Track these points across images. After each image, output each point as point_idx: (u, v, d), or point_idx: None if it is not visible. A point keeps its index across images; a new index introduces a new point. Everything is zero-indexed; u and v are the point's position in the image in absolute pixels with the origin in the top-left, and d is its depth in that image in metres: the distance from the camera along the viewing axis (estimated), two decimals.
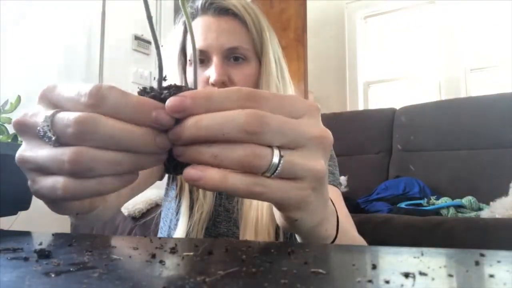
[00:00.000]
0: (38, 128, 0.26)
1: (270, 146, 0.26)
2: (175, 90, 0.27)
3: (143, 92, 0.27)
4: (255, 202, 0.65)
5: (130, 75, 2.48)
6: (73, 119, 0.24)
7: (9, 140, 0.55)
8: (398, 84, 3.29)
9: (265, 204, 0.63)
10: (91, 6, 2.30)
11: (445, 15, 3.06)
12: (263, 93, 0.27)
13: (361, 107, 3.29)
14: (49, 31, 2.09)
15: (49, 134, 0.25)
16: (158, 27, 2.65)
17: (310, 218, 0.32)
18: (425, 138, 2.05)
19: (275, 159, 0.26)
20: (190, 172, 0.26)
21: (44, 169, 0.26)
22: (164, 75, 0.29)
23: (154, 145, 0.25)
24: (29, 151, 0.27)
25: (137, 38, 2.56)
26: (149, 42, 2.60)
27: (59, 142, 0.25)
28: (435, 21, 3.12)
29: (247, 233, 0.63)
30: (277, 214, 0.34)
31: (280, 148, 0.26)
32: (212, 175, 0.25)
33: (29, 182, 0.28)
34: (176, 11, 2.71)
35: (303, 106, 0.28)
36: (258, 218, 0.63)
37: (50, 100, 0.27)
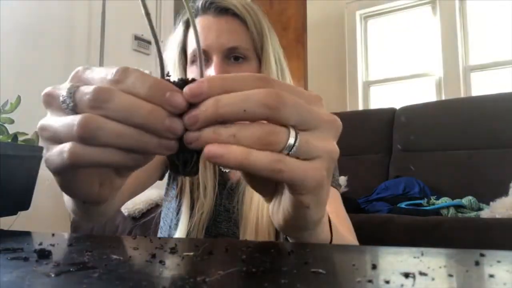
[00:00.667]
0: (60, 97, 0.27)
1: (286, 127, 0.27)
2: (185, 82, 0.27)
3: None
4: (255, 202, 0.64)
5: None
6: (92, 88, 0.25)
7: (9, 140, 0.55)
8: (398, 84, 3.29)
9: (266, 204, 0.63)
10: (91, 6, 2.30)
11: (445, 15, 3.06)
12: (276, 79, 0.28)
13: (361, 107, 3.29)
14: (49, 31, 2.09)
15: (68, 100, 0.26)
16: (158, 27, 2.65)
17: (319, 208, 0.32)
18: (425, 138, 2.05)
19: (291, 138, 0.26)
20: (212, 149, 0.26)
21: (57, 137, 0.27)
22: (167, 72, 0.29)
23: (164, 125, 0.25)
24: (48, 119, 0.28)
25: (137, 38, 2.56)
26: (149, 42, 2.61)
27: (76, 110, 0.26)
28: (435, 20, 3.12)
29: (247, 233, 0.63)
30: (276, 214, 0.33)
31: (295, 128, 0.27)
32: (235, 150, 0.26)
33: (43, 152, 0.29)
34: (177, 11, 2.71)
35: (312, 96, 0.29)
36: (258, 218, 0.63)
37: (80, 79, 0.28)
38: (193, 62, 0.69)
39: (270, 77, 0.28)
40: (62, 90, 0.27)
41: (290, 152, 0.27)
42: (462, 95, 2.86)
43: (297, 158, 0.27)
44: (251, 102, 0.25)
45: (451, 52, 3.00)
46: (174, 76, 0.72)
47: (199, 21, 0.68)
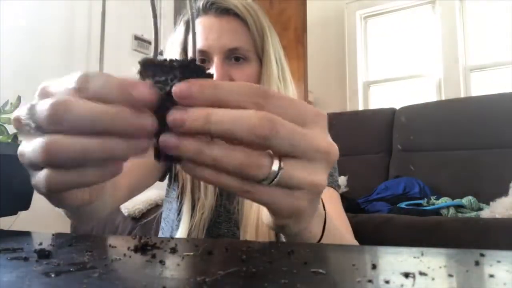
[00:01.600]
0: (22, 119, 0.25)
1: (271, 155, 0.25)
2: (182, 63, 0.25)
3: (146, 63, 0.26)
4: (255, 204, 0.65)
5: (130, 75, 2.48)
6: (48, 104, 0.23)
7: (9, 140, 0.55)
8: (398, 84, 3.29)
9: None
10: (91, 6, 2.30)
11: (445, 15, 3.06)
12: (274, 92, 0.26)
13: (361, 107, 3.29)
14: (49, 31, 2.10)
15: (30, 122, 0.25)
16: (158, 27, 2.64)
17: (298, 225, 0.32)
18: (425, 138, 2.05)
19: (274, 169, 0.25)
20: (187, 164, 0.25)
21: (33, 163, 0.25)
22: (160, 50, 0.28)
23: (132, 125, 0.24)
24: (22, 145, 0.26)
25: (137, 38, 2.56)
26: (149, 42, 2.60)
27: (39, 130, 0.24)
28: (435, 21, 3.12)
29: (248, 234, 0.63)
30: (265, 213, 0.33)
31: (283, 157, 0.26)
32: (206, 172, 0.25)
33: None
34: (177, 11, 2.71)
35: (311, 114, 0.27)
36: (258, 219, 0.63)
37: (46, 94, 0.26)
38: None
39: (268, 91, 0.26)
40: (23, 111, 0.25)
41: (272, 183, 0.25)
42: (462, 95, 2.86)
43: (277, 186, 0.26)
44: (241, 126, 0.24)
45: (451, 52, 3.00)
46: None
47: (200, 21, 0.68)
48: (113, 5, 2.37)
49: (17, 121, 0.26)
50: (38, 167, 0.25)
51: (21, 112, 0.26)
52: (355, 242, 0.54)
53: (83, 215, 0.44)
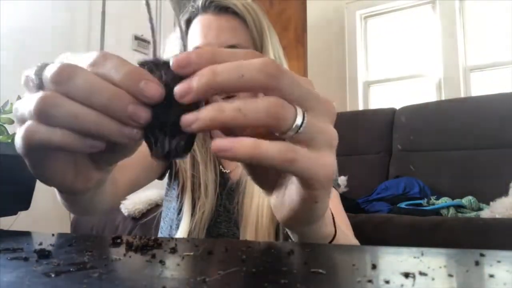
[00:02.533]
0: (30, 75, 0.27)
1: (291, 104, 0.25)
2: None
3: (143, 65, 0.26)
4: (255, 202, 0.65)
5: None
6: (58, 65, 0.24)
7: (9, 141, 0.55)
8: (398, 84, 3.29)
9: (265, 204, 0.63)
10: (91, 6, 2.30)
11: (445, 15, 3.06)
12: (276, 64, 0.25)
13: (361, 107, 3.29)
14: (49, 31, 2.10)
15: (35, 78, 0.26)
16: (158, 27, 2.65)
17: (326, 201, 0.30)
18: (425, 138, 2.05)
19: (299, 116, 0.25)
20: (218, 142, 0.24)
21: (23, 116, 0.26)
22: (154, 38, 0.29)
23: (126, 111, 0.23)
24: (20, 100, 0.27)
25: (137, 38, 2.56)
26: (149, 42, 2.60)
27: (40, 87, 0.26)
28: (435, 21, 3.12)
29: (248, 234, 0.63)
30: (279, 207, 0.32)
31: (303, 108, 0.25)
32: (244, 141, 0.24)
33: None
34: (176, 10, 2.71)
35: (304, 79, 0.27)
36: (258, 219, 0.63)
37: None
38: None
39: (268, 60, 0.24)
40: (33, 69, 0.27)
41: (298, 132, 0.24)
42: (462, 95, 2.86)
43: (304, 144, 0.25)
44: (249, 68, 0.23)
45: (451, 52, 3.00)
46: None
47: (199, 20, 0.68)
48: (113, 5, 2.37)
49: (26, 77, 0.28)
50: (25, 119, 0.25)
51: (32, 70, 0.27)
52: (357, 242, 0.54)
53: (73, 204, 0.44)
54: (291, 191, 0.30)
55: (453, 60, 2.98)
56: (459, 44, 2.98)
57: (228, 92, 0.24)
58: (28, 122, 0.25)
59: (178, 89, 0.23)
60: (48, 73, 0.24)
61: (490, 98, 2.01)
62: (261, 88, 0.24)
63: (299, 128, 0.24)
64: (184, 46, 0.71)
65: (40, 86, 0.25)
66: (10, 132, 0.56)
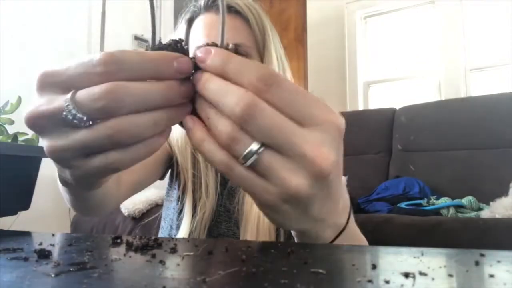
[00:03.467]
0: (64, 113, 0.24)
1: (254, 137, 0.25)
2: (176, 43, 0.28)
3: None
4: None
5: None
6: (99, 92, 0.23)
7: (9, 140, 0.55)
8: (398, 84, 3.29)
9: None
10: (91, 6, 2.30)
11: (445, 15, 3.06)
12: (283, 82, 0.25)
13: (361, 107, 3.29)
14: (49, 32, 2.09)
15: (79, 115, 0.24)
16: (158, 27, 2.64)
17: (288, 223, 0.30)
18: (425, 138, 2.05)
19: (252, 149, 0.25)
20: (187, 119, 0.27)
21: (86, 152, 0.26)
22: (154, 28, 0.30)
23: (181, 94, 0.26)
24: (59, 140, 0.25)
25: (137, 38, 2.56)
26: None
27: (91, 119, 0.24)
28: (435, 21, 3.12)
29: (248, 233, 0.63)
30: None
31: (266, 145, 0.25)
32: (196, 131, 0.27)
33: (68, 172, 0.28)
34: (177, 11, 2.71)
35: (319, 116, 0.25)
36: (259, 218, 0.63)
37: (55, 85, 0.26)
38: None
39: (276, 78, 0.25)
40: (55, 103, 0.25)
41: (247, 164, 0.25)
42: (462, 95, 2.86)
43: (255, 171, 0.26)
44: (226, 101, 0.25)
45: (451, 52, 3.00)
46: None
47: (201, 19, 0.69)
48: (113, 5, 2.37)
49: (39, 117, 0.25)
50: (90, 154, 0.26)
51: (54, 105, 0.25)
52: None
53: (91, 203, 0.44)
54: None
55: (453, 60, 2.98)
56: (459, 44, 2.98)
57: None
58: (114, 154, 0.25)
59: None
60: (95, 103, 0.24)
61: (490, 98, 2.01)
62: (234, 120, 0.25)
63: (246, 162, 0.25)
64: (186, 44, 0.71)
65: (89, 119, 0.24)
66: (10, 132, 0.56)
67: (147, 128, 0.25)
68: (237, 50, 0.66)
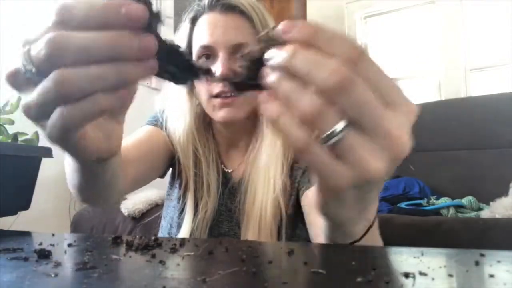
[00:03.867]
0: (22, 68, 0.25)
1: (340, 115, 0.24)
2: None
3: None
4: (258, 199, 0.65)
5: None
6: (42, 41, 0.23)
7: (9, 140, 0.55)
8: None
9: (269, 202, 0.63)
10: None
11: (445, 15, 3.06)
12: (371, 59, 0.25)
13: None
14: None
15: (29, 67, 0.24)
16: (158, 27, 2.64)
17: (341, 211, 0.29)
18: (425, 138, 2.04)
19: (337, 128, 0.24)
20: (262, 94, 0.25)
21: (44, 110, 0.25)
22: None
23: (135, 49, 0.24)
24: (26, 97, 0.26)
25: None
26: None
27: (41, 73, 0.24)
28: (435, 21, 3.13)
29: (250, 232, 0.63)
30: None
31: (350, 123, 0.24)
32: (272, 104, 0.25)
33: (44, 133, 0.27)
34: (177, 11, 2.71)
35: (403, 103, 0.25)
36: (261, 216, 0.63)
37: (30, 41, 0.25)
38: (198, 58, 0.69)
39: (366, 53, 0.24)
40: (18, 59, 0.25)
41: (328, 143, 0.24)
42: (462, 95, 2.86)
43: (335, 155, 0.24)
44: (321, 69, 0.23)
45: (451, 52, 3.00)
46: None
47: (205, 18, 0.69)
48: None
49: (12, 76, 0.26)
50: (49, 110, 0.25)
51: (15, 64, 0.25)
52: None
53: (97, 186, 0.45)
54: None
55: (453, 60, 2.99)
56: (459, 44, 2.98)
57: (294, 72, 0.24)
58: (60, 109, 0.24)
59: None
60: (40, 56, 0.23)
61: (490, 98, 2.01)
62: (324, 93, 0.24)
63: (328, 140, 0.24)
64: (190, 44, 0.71)
65: (39, 73, 0.24)
66: (10, 132, 0.56)
67: (94, 81, 0.24)
68: (239, 50, 0.66)
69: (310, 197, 0.61)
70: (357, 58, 0.24)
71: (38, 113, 0.25)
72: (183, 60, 0.28)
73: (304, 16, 2.84)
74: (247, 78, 0.28)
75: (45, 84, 0.24)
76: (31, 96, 0.25)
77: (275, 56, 0.25)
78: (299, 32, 0.24)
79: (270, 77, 0.25)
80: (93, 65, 0.23)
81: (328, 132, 0.24)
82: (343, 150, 0.24)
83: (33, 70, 0.24)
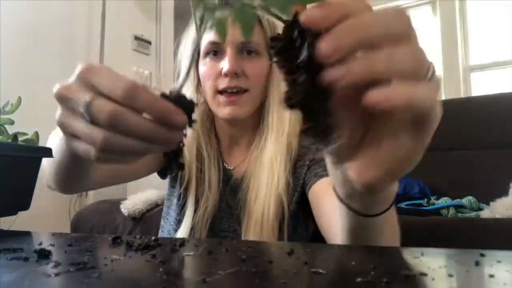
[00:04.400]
0: (79, 105, 0.30)
1: None
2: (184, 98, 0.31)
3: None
4: (261, 197, 0.65)
5: (130, 75, 2.48)
6: (107, 110, 0.28)
7: (9, 140, 0.55)
8: None
9: (272, 199, 0.64)
10: (91, 6, 2.30)
11: (445, 15, 3.06)
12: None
13: None
14: (49, 32, 2.10)
15: (86, 113, 0.29)
16: (158, 27, 2.65)
17: (405, 151, 0.30)
18: None
19: (427, 62, 0.25)
20: (375, 95, 0.23)
21: (79, 136, 0.31)
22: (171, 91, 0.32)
23: (169, 138, 0.30)
24: (67, 118, 0.31)
25: (137, 38, 2.55)
26: (149, 42, 2.60)
27: (93, 122, 0.29)
28: (435, 21, 3.13)
29: (251, 230, 0.63)
30: (370, 169, 0.29)
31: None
32: (399, 89, 0.23)
33: (66, 140, 0.33)
34: (177, 11, 2.71)
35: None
36: (264, 213, 0.63)
37: (89, 82, 0.30)
38: (206, 54, 0.70)
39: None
40: (79, 95, 0.30)
41: (432, 77, 0.25)
42: (462, 95, 2.86)
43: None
44: (393, 23, 0.23)
45: (451, 52, 3.00)
46: (186, 67, 0.73)
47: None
48: (113, 5, 2.37)
49: (64, 96, 0.31)
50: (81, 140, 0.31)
51: (77, 96, 0.30)
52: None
53: (76, 174, 0.49)
54: (399, 140, 0.28)
55: (453, 60, 2.99)
56: (459, 44, 2.98)
57: (372, 47, 0.23)
58: (95, 151, 0.30)
59: (324, 47, 0.22)
60: (101, 114, 0.29)
61: (490, 98, 2.01)
62: (401, 39, 0.23)
63: (433, 74, 0.25)
64: (199, 41, 0.72)
65: (92, 121, 0.29)
66: (10, 132, 0.56)
67: (129, 150, 0.30)
68: (247, 47, 0.67)
69: (324, 184, 0.62)
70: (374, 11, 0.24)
71: (71, 133, 0.32)
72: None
73: None
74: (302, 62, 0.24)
75: (94, 133, 0.29)
76: (72, 121, 0.31)
77: (337, 38, 0.22)
78: (332, 11, 0.23)
79: (353, 66, 0.23)
80: (134, 141, 0.29)
81: (431, 67, 0.25)
82: (435, 77, 0.25)
83: (88, 118, 0.29)
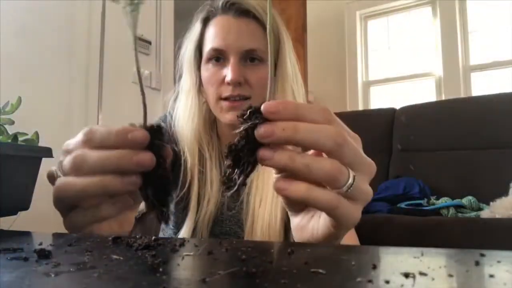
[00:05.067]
0: (54, 173, 0.36)
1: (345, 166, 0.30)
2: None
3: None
4: (268, 203, 0.65)
5: (130, 75, 2.48)
6: (68, 159, 0.32)
7: (9, 140, 0.55)
8: (398, 84, 3.29)
9: (279, 206, 0.64)
10: (91, 6, 2.30)
11: (445, 15, 3.06)
12: (334, 115, 0.32)
13: (361, 107, 3.29)
14: (49, 32, 2.10)
15: (59, 173, 0.34)
16: (158, 28, 2.65)
17: (342, 234, 0.36)
18: (425, 138, 2.04)
19: (350, 178, 0.30)
20: (279, 183, 0.30)
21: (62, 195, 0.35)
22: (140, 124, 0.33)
23: (133, 162, 0.30)
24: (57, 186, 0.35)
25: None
26: (149, 42, 2.60)
27: (66, 174, 0.34)
28: (435, 21, 3.12)
29: (258, 233, 0.63)
30: (301, 228, 0.38)
31: (352, 169, 0.31)
32: (299, 186, 0.30)
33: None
34: (177, 11, 2.71)
35: (355, 136, 0.34)
36: (271, 218, 0.63)
37: (67, 150, 0.34)
38: (209, 60, 0.69)
39: (332, 113, 0.31)
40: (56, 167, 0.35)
41: (348, 191, 0.30)
42: (462, 95, 2.86)
43: (347, 198, 0.31)
44: (324, 135, 0.29)
45: (451, 52, 3.00)
46: (189, 71, 0.73)
47: (218, 21, 0.69)
48: (113, 5, 2.36)
49: (49, 177, 0.37)
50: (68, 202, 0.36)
51: (54, 169, 0.36)
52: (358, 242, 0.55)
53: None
54: (319, 223, 0.35)
55: (453, 60, 2.99)
56: (459, 44, 2.98)
57: (299, 147, 0.30)
58: (65, 178, 0.33)
59: (262, 128, 0.29)
60: (66, 167, 0.33)
61: (491, 98, 2.01)
62: (328, 153, 0.30)
63: (349, 188, 0.30)
64: (200, 44, 0.72)
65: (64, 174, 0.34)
66: (10, 132, 0.56)
67: (96, 188, 0.31)
68: (250, 55, 0.67)
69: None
70: (331, 116, 0.31)
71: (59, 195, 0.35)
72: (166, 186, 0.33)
73: (304, 16, 2.84)
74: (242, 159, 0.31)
75: (64, 182, 0.33)
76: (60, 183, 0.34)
77: (270, 134, 0.29)
78: (285, 110, 0.29)
79: (279, 156, 0.29)
80: (98, 176, 0.31)
81: (348, 181, 0.30)
82: (356, 192, 0.31)
83: (60, 175, 0.34)
